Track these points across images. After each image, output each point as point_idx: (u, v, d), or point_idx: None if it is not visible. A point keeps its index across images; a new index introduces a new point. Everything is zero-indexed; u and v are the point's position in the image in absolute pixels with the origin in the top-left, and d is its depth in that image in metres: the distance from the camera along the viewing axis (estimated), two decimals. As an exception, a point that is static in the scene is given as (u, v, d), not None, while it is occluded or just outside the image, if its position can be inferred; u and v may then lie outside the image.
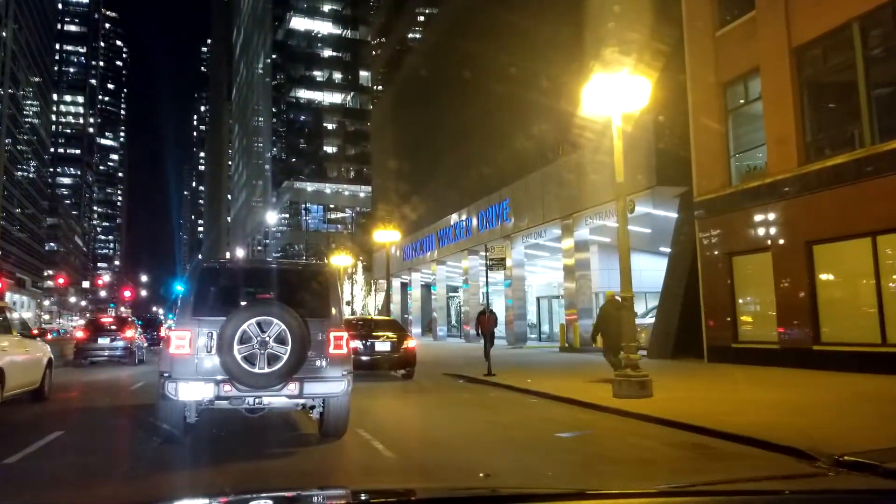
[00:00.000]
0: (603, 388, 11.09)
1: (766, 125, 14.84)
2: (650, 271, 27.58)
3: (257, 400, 6.89)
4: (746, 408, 9.24)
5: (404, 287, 44.58)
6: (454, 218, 32.89)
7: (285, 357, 6.61)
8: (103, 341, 20.43)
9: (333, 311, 7.49)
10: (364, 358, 14.41)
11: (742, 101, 15.94)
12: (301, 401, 7.19)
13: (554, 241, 26.82)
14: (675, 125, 17.73)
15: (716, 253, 16.16)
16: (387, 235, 26.15)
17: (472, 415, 9.65)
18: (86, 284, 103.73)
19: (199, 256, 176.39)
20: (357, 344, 14.32)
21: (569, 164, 22.47)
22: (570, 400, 10.50)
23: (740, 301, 15.68)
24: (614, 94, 10.51)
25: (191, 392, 6.68)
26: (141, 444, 7.47)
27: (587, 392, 11.03)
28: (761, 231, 14.84)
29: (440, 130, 35.21)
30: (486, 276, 16.39)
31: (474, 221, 30.44)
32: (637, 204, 19.55)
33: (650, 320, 20.08)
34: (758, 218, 14.89)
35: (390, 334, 15.05)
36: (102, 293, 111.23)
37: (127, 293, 55.81)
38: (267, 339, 6.61)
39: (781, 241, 14.29)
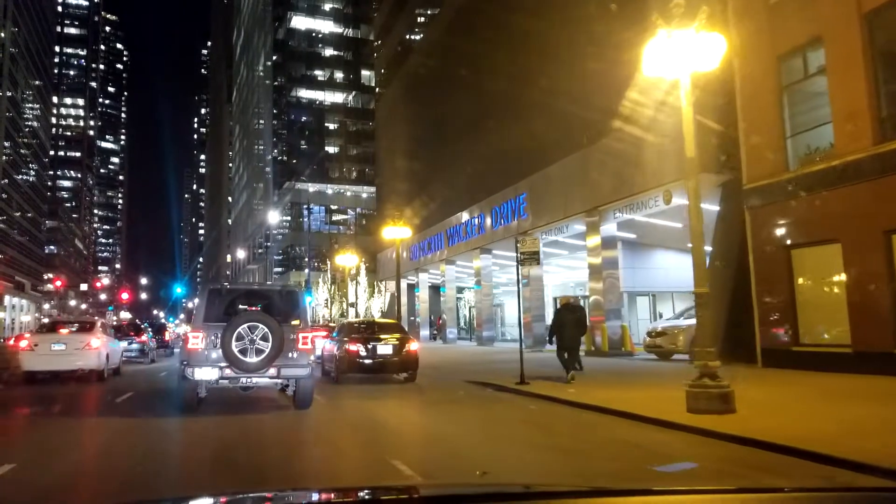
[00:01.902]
0: (665, 398, 9.36)
1: (831, 101, 13.07)
2: (678, 269, 25.77)
3: (248, 380, 9.68)
4: (860, 427, 7.47)
5: (411, 288, 42.75)
6: (465, 215, 31.12)
7: (268, 350, 9.31)
8: (123, 345, 22.84)
9: (303, 318, 10.54)
10: (366, 361, 14.21)
11: (800, 76, 14.17)
12: (279, 380, 10.04)
13: (574, 238, 25.06)
14: (718, 106, 15.97)
15: (771, 246, 14.38)
16: (397, 232, 24.32)
17: (526, 437, 7.83)
18: (83, 287, 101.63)
19: (201, 259, 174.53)
20: (359, 347, 14.22)
21: (596, 153, 20.70)
22: (634, 415, 8.72)
23: (802, 299, 13.89)
24: (682, 52, 8.80)
25: (202, 374, 9.40)
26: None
27: (651, 405, 9.26)
28: (827, 220, 13.05)
29: (449, 124, 33.48)
30: (518, 274, 14.67)
31: (487, 218, 28.66)
32: (674, 195, 17.81)
33: (686, 322, 18.30)
34: (823, 205, 13.10)
35: (392, 337, 14.84)
36: (102, 296, 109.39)
37: (125, 295, 54.06)
38: (255, 338, 9.32)
39: (853, 231, 12.51)
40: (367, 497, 2.26)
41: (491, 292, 30.34)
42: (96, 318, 24.72)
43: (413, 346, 14.97)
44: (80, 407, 11.88)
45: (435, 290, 40.07)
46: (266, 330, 9.35)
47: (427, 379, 16.02)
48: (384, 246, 47.43)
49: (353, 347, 14.20)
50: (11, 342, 15.76)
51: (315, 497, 2.48)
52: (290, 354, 9.66)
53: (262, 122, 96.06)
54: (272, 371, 9.57)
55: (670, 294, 25.84)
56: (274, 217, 72.63)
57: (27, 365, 15.00)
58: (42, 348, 14.98)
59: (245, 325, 9.33)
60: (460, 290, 39.02)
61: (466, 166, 31.20)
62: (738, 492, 2.15)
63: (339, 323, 28.07)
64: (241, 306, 10.05)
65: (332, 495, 2.45)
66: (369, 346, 14.29)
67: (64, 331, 16.21)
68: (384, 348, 14.43)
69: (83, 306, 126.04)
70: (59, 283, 66.47)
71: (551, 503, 2.08)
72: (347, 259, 34.46)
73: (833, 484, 2.71)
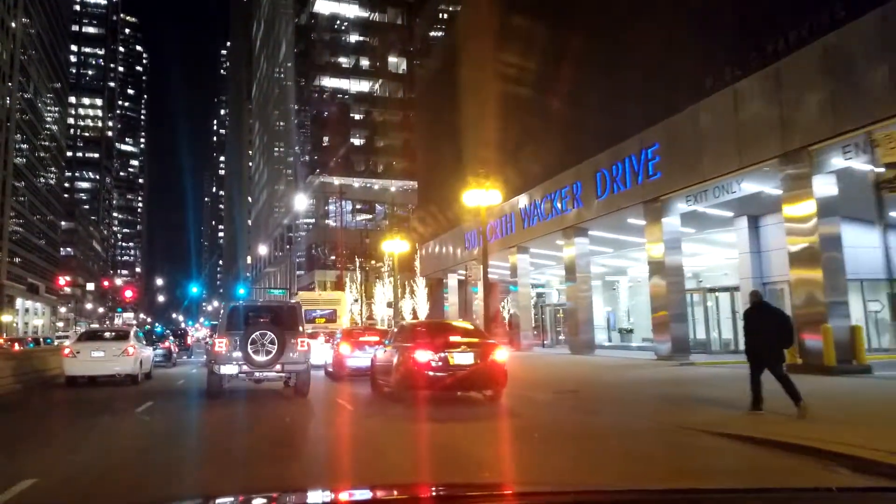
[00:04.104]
0: None
1: None
2: (868, 249, 18.32)
3: (260, 373, 12.59)
4: None
5: (463, 285, 35.48)
6: (549, 186, 23.69)
7: (274, 351, 12.25)
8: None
9: (300, 327, 13.21)
10: (437, 374, 10.94)
11: None
12: (283, 374, 12.80)
13: (720, 209, 17.73)
14: None
15: None
16: (482, 197, 17.01)
17: None
18: (90, 287, 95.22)
19: (220, 262, 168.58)
20: (429, 356, 11.02)
21: (802, 64, 13.31)
22: None
23: None
24: None
25: (226, 369, 12.39)
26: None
27: None
28: None
29: (528, 69, 26.10)
30: (881, 208, 7.30)
31: (585, 187, 21.30)
32: None
33: None
34: None
35: (472, 343, 11.62)
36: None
37: (128, 293, 47.64)
38: (265, 342, 12.29)
39: None
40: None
41: (588, 286, 22.88)
42: (129, 326, 26.31)
43: (500, 354, 11.45)
44: (141, 398, 13.06)
45: (494, 287, 32.53)
46: (273, 336, 12.30)
47: (585, 414, 9.66)
48: (425, 238, 40.32)
49: (420, 356, 11.04)
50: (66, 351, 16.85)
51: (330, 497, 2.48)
52: (291, 354, 12.45)
53: (281, 124, 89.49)
54: (278, 367, 12.44)
55: (859, 283, 18.28)
56: (298, 210, 65.61)
57: (69, 370, 16.19)
58: (83, 355, 16.20)
59: (257, 333, 12.31)
60: (534, 284, 31.52)
61: (554, 122, 23.87)
62: (739, 492, 2.12)
63: (395, 326, 21.06)
64: (260, 313, 13.53)
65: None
66: (443, 355, 10.98)
67: (102, 339, 17.48)
68: (463, 357, 11.07)
69: (101, 309, 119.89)
70: (63, 282, 60.06)
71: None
72: (395, 245, 27.10)
73: (831, 485, 2.61)
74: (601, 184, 20.33)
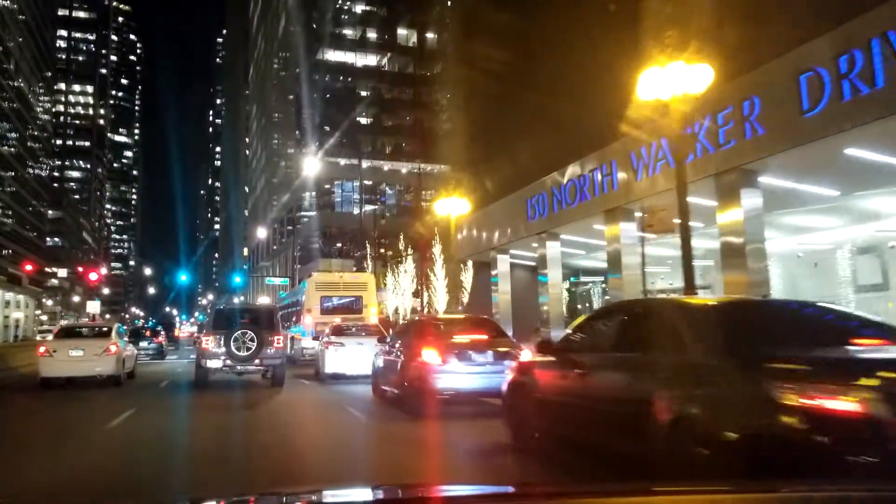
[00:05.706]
0: None
1: None
2: None
3: (241, 367, 13.97)
4: None
5: (515, 270, 27.51)
6: (693, 112, 15.62)
7: (254, 348, 13.61)
8: (142, 344, 26.14)
9: (277, 326, 14.87)
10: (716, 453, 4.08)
11: None
12: (261, 368, 14.26)
13: None
14: None
15: None
16: (680, 82, 9.08)
17: None
18: (62, 273, 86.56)
19: (216, 254, 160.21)
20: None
21: None
22: None
23: None
24: None
25: (212, 363, 13.91)
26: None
27: None
28: None
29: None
30: None
31: (771, 101, 13.33)
32: None
33: None
34: None
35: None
36: (106, 290, 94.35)
37: (93, 275, 39.99)
38: (245, 340, 13.59)
39: None
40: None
41: (764, 263, 14.78)
42: (95, 317, 29.10)
43: None
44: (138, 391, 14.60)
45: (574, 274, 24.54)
46: (252, 334, 13.64)
47: None
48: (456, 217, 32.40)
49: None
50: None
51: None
52: (268, 350, 13.81)
53: (280, 114, 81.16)
54: (257, 361, 13.76)
55: None
56: (300, 193, 57.49)
57: (45, 371, 14.80)
58: (60, 354, 14.76)
59: (239, 332, 13.63)
60: (588, 270, 23.47)
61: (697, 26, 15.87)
62: (734, 492, 2.06)
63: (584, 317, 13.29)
64: (242, 315, 14.96)
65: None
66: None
67: (81, 336, 16.14)
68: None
69: (88, 302, 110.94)
70: (29, 268, 52.27)
71: (550, 503, 2.01)
72: (451, 205, 19.01)
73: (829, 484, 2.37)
74: (808, 92, 12.38)
